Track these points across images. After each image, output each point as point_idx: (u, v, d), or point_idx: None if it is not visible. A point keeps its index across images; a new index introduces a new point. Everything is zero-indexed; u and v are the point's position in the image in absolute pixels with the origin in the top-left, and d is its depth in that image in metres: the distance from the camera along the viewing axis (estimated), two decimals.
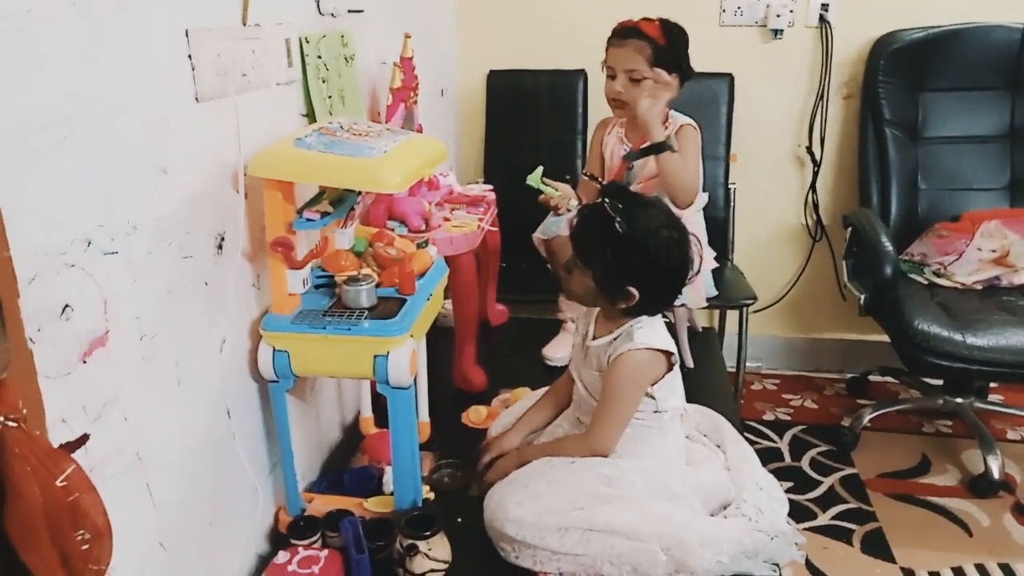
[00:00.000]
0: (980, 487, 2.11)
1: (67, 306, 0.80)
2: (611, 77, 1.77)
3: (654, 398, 1.26)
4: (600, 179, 1.45)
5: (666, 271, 1.22)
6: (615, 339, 1.27)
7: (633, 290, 1.22)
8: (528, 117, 2.56)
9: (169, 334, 0.99)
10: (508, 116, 2.60)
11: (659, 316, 1.31)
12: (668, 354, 1.27)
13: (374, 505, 1.30)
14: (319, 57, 1.41)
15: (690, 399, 1.40)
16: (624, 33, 1.74)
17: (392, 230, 1.56)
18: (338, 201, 1.25)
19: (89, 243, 0.83)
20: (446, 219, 1.74)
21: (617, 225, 1.19)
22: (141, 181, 0.93)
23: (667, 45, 1.72)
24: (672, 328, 1.82)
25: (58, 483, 0.58)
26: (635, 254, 1.20)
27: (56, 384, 0.78)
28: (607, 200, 1.21)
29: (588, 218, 1.26)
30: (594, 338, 1.32)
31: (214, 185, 1.09)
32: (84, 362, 0.83)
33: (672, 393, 1.30)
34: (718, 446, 1.40)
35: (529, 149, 2.54)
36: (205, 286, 1.08)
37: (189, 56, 1.01)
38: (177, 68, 0.99)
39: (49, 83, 0.77)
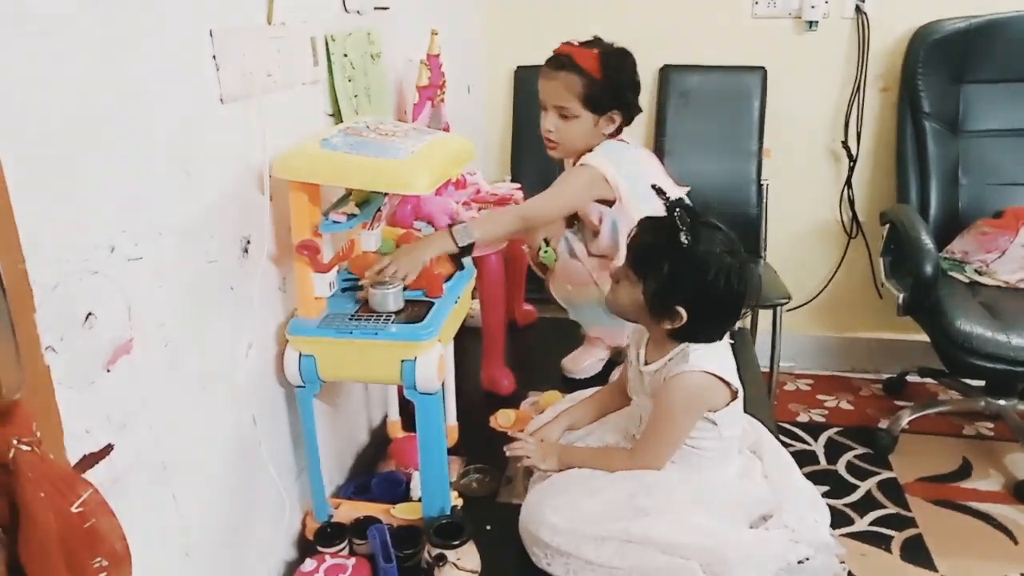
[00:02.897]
0: None
1: (90, 314, 0.78)
2: (543, 110, 1.57)
3: (715, 424, 1.20)
4: (665, 194, 1.32)
5: (720, 297, 1.15)
6: (669, 360, 1.20)
7: (682, 310, 1.15)
8: None
9: (194, 340, 0.97)
10: (536, 113, 2.54)
11: (722, 340, 1.23)
12: (728, 382, 1.19)
13: (402, 512, 1.28)
14: (345, 55, 1.39)
15: None
16: (556, 63, 1.52)
17: (419, 231, 1.54)
18: (364, 202, 1.23)
19: (113, 249, 0.81)
20: (473, 219, 1.71)
21: (682, 237, 1.12)
22: (166, 185, 0.91)
23: (603, 80, 1.49)
24: None
25: (74, 509, 0.56)
26: (693, 272, 1.13)
27: (79, 394, 0.77)
28: (677, 212, 1.14)
29: (650, 228, 1.20)
30: (646, 363, 1.25)
31: (239, 187, 1.07)
32: (108, 371, 0.81)
33: (734, 422, 1.23)
34: (753, 452, 1.36)
35: None
36: (231, 290, 1.06)
37: (214, 56, 0.99)
38: (202, 69, 0.97)
39: (71, 84, 0.75)
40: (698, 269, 1.13)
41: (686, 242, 1.12)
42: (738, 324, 2.09)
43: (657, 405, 1.20)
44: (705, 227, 1.15)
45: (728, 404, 1.20)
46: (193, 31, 0.95)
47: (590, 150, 1.56)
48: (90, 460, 0.76)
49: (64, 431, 0.74)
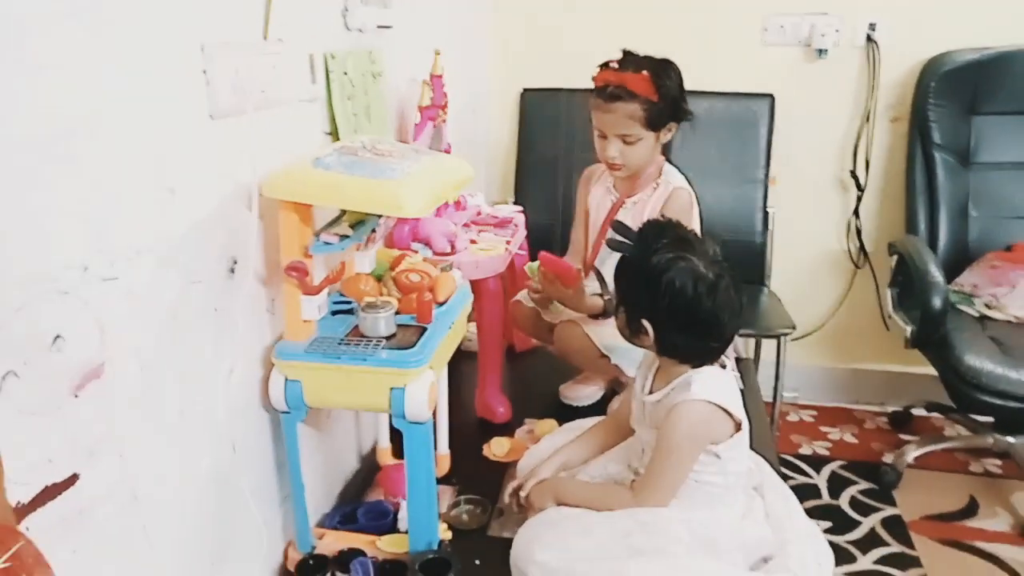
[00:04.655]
0: None
1: (58, 336, 0.74)
2: (602, 138, 1.57)
3: (719, 457, 1.15)
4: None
5: (678, 307, 1.11)
6: (672, 390, 1.17)
7: (647, 324, 1.14)
8: (561, 137, 2.49)
9: (173, 364, 0.94)
10: (541, 136, 2.53)
11: (727, 372, 1.19)
12: (731, 413, 1.15)
13: (388, 544, 1.23)
14: (345, 74, 1.36)
15: None
16: (611, 95, 1.51)
17: (416, 252, 1.50)
18: (359, 223, 1.19)
19: (86, 268, 0.78)
20: (472, 241, 1.68)
21: (622, 244, 1.16)
22: (146, 202, 0.88)
23: (660, 101, 1.50)
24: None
25: (1, 563, 0.52)
26: (643, 280, 1.13)
27: (43, 420, 0.73)
28: (617, 227, 1.18)
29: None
30: (650, 392, 1.22)
31: (227, 206, 1.03)
32: (76, 396, 0.77)
33: (739, 456, 1.19)
34: (754, 488, 1.31)
35: (562, 169, 2.47)
36: (214, 312, 1.02)
37: (204, 71, 0.96)
38: (190, 83, 0.94)
39: (44, 96, 0.72)
40: (646, 276, 1.12)
41: (629, 252, 1.16)
42: (743, 353, 2.06)
43: (660, 436, 1.16)
44: (674, 240, 1.14)
45: (732, 436, 1.16)
46: (183, 45, 0.93)
47: (650, 161, 1.61)
48: (52, 491, 0.72)
49: (18, 465, 0.70)
